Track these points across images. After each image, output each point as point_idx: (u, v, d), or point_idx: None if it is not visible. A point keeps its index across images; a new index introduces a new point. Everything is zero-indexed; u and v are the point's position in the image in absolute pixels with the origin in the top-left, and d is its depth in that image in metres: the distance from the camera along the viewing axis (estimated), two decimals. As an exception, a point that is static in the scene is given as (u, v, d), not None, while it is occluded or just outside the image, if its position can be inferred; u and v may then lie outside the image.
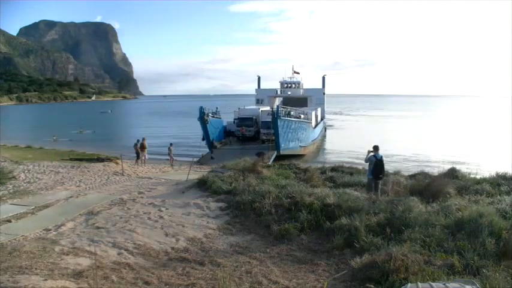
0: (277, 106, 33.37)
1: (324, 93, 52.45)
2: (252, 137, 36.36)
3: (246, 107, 41.84)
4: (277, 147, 30.10)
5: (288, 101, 46.08)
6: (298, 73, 53.64)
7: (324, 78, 53.74)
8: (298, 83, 52.15)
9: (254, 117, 37.93)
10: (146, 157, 25.33)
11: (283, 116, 31.07)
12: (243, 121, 37.63)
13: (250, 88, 54.18)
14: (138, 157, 25.05)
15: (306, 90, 52.19)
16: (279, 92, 51.46)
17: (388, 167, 18.63)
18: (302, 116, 35.89)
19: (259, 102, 49.78)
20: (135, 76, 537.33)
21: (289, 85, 51.68)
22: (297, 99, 47.88)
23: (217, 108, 38.92)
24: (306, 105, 46.00)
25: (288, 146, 31.21)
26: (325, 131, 52.97)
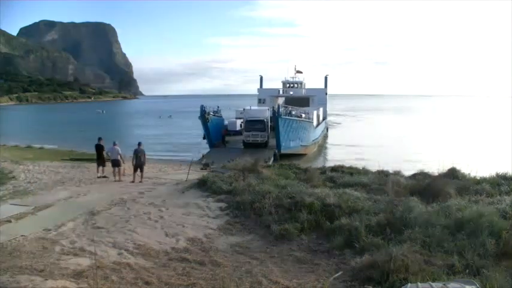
0: (278, 105, 33.39)
1: (326, 93, 52.42)
2: (263, 144, 31.54)
3: (252, 107, 37.16)
4: (277, 146, 30.08)
5: (290, 101, 46.05)
6: (300, 72, 53.56)
7: (326, 78, 53.68)
8: (301, 82, 52.00)
9: (265, 119, 32.99)
10: None
11: (284, 115, 31.10)
12: (252, 124, 32.47)
13: (254, 88, 53.51)
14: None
15: (308, 90, 52.07)
16: (281, 92, 51.40)
17: (389, 166, 18.66)
18: (303, 116, 35.78)
19: (261, 102, 49.69)
20: (135, 76, 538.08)
21: (292, 85, 51.49)
22: (299, 99, 47.85)
23: (218, 107, 38.77)
24: (308, 105, 45.95)
25: (288, 145, 31.11)
26: (327, 131, 52.94)
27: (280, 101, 49.82)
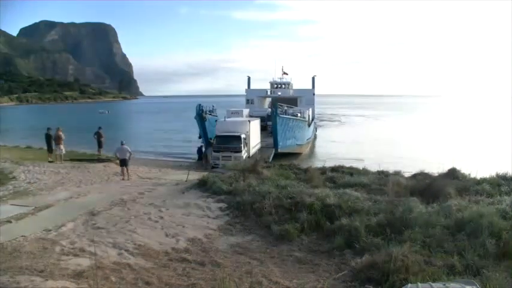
0: (276, 104, 33.56)
1: (314, 94, 52.65)
2: None
3: (227, 119, 30.23)
4: (275, 145, 30.27)
5: (278, 102, 46.30)
6: (287, 74, 53.96)
7: (313, 79, 53.98)
8: (288, 83, 52.42)
9: (243, 135, 25.77)
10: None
11: (282, 114, 31.37)
12: (224, 141, 25.29)
13: (257, 87, 53.57)
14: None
15: (296, 90, 52.42)
16: (269, 93, 51.65)
17: (389, 167, 18.67)
18: (299, 115, 36.24)
19: (249, 102, 49.98)
20: (137, 76, 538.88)
21: (279, 85, 51.93)
22: (286, 100, 48.03)
23: (213, 106, 38.90)
24: (296, 106, 46.23)
25: (285, 144, 31.43)
26: (316, 130, 53.43)
27: (268, 101, 50.11)
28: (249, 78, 54.49)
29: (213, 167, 24.11)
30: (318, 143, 47.63)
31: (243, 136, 25.66)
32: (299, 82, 54.77)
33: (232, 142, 25.07)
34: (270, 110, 40.31)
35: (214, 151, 25.41)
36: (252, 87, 53.37)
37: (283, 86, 52.00)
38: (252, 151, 27.74)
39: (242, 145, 25.08)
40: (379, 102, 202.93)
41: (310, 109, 47.46)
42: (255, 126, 29.64)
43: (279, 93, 50.85)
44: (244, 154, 25.22)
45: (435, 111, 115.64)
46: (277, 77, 52.66)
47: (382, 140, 45.94)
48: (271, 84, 51.99)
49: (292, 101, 47.86)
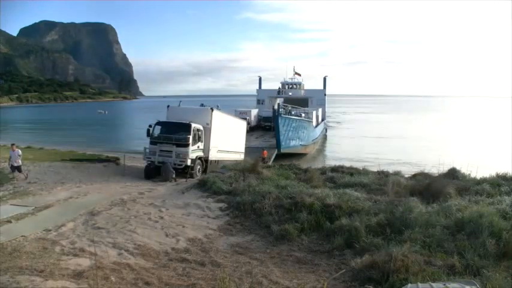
0: (278, 104, 33.61)
1: (325, 94, 52.89)
2: (181, 169, 18.38)
3: (183, 105, 23.40)
4: (277, 145, 30.24)
5: (289, 102, 46.39)
6: (299, 74, 54.07)
7: (325, 79, 54.22)
8: (299, 83, 52.62)
9: (197, 125, 18.99)
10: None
11: (284, 114, 31.32)
12: (168, 130, 18.89)
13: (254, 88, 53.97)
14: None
15: (307, 91, 52.68)
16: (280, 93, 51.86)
17: (389, 167, 18.68)
18: (303, 115, 36.20)
19: (260, 102, 50.28)
20: (138, 76, 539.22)
21: (290, 86, 52.11)
22: (297, 100, 48.24)
23: (218, 106, 38.91)
24: (307, 106, 46.44)
25: (288, 144, 31.35)
26: (326, 131, 53.36)
27: (279, 101, 50.17)
28: (260, 79, 54.86)
29: (145, 170, 18.48)
30: (327, 143, 47.48)
31: (196, 126, 18.76)
32: (306, 82, 54.79)
33: (177, 132, 18.48)
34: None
35: (151, 143, 18.82)
36: (253, 86, 53.76)
37: (294, 86, 52.29)
38: (220, 155, 20.91)
39: (191, 137, 18.23)
40: (386, 101, 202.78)
41: (320, 109, 47.59)
42: (231, 124, 23.32)
43: (290, 94, 51.09)
44: (194, 152, 18.51)
45: (452, 111, 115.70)
46: (288, 77, 53.07)
47: (391, 139, 45.99)
48: (282, 84, 52.34)
49: (303, 101, 48.15)
